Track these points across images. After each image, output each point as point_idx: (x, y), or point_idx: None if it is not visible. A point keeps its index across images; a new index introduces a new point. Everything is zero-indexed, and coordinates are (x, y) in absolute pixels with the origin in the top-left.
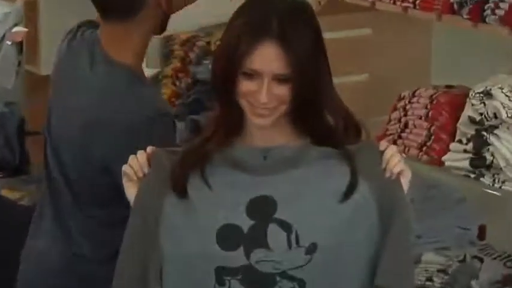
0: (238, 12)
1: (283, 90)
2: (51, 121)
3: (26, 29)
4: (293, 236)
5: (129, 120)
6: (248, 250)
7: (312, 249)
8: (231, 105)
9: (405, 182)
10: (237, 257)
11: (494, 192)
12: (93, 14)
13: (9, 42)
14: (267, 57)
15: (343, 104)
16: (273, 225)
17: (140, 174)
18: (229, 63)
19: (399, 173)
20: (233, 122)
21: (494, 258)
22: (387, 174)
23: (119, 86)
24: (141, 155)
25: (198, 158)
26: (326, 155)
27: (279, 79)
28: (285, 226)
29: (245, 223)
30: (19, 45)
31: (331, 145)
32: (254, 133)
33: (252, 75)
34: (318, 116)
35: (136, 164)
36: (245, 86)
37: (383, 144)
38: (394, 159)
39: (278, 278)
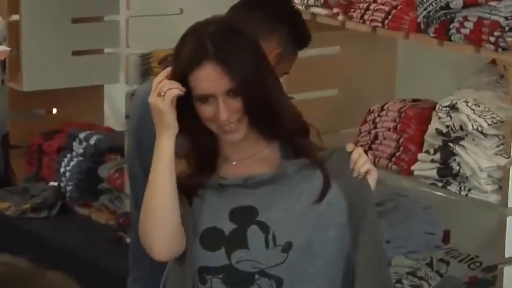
0: (178, 44)
1: (238, 103)
2: None
3: (8, 48)
4: (270, 237)
5: None
6: (229, 251)
7: (287, 247)
8: (200, 131)
9: (372, 180)
10: (218, 257)
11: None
12: (72, 34)
13: None
14: (211, 78)
15: (295, 107)
16: (253, 227)
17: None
18: (183, 95)
19: (366, 172)
20: (208, 147)
21: (460, 261)
22: (355, 174)
23: None
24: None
25: (190, 190)
26: (301, 166)
27: (230, 94)
28: (264, 227)
29: (227, 227)
30: (2, 64)
31: (297, 145)
32: (229, 149)
33: (206, 99)
34: (276, 120)
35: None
36: (204, 110)
37: (349, 146)
38: (360, 160)
39: (257, 276)
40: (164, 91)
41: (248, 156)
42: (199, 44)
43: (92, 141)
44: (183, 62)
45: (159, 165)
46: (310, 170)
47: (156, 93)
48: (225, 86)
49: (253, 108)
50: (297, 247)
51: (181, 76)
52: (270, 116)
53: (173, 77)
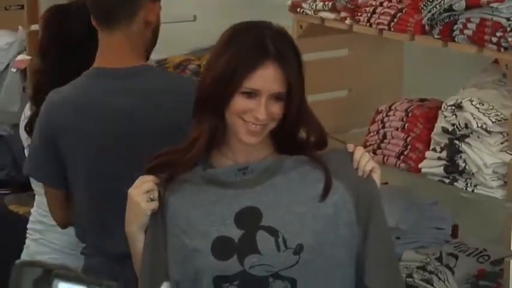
0: (230, 37)
1: (277, 108)
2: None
3: (29, 57)
4: (280, 240)
5: None
6: (241, 257)
7: (299, 249)
8: (217, 123)
9: (377, 177)
10: (232, 265)
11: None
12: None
13: (14, 70)
14: (267, 78)
15: (317, 119)
16: (261, 232)
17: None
18: (227, 84)
19: (371, 170)
20: (216, 137)
21: (468, 255)
22: (360, 173)
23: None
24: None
25: (181, 164)
26: (300, 162)
27: (275, 97)
28: (272, 231)
29: (235, 234)
30: (23, 72)
31: (302, 154)
32: (236, 149)
33: (250, 94)
34: (297, 131)
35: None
36: (243, 104)
37: (350, 146)
38: (364, 159)
39: (271, 279)
40: (155, 198)
41: (251, 161)
42: (261, 42)
43: None
44: (238, 55)
45: (138, 262)
46: (307, 167)
47: (142, 190)
48: (275, 89)
49: (289, 116)
50: (308, 248)
51: (231, 67)
52: (295, 126)
53: (216, 67)
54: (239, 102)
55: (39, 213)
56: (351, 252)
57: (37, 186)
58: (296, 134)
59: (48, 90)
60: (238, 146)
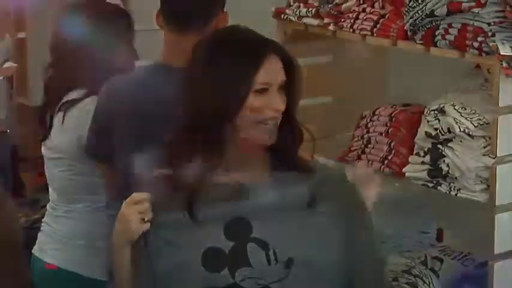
0: (213, 50)
1: (284, 97)
2: None
3: (15, 65)
4: (271, 253)
5: None
6: (233, 270)
7: (289, 263)
8: (222, 140)
9: (371, 192)
10: (223, 278)
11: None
12: None
13: (0, 77)
14: (274, 68)
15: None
16: (251, 244)
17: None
18: (238, 88)
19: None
20: (218, 156)
21: (453, 259)
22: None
23: None
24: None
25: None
26: (289, 175)
27: (280, 87)
28: (262, 244)
29: (225, 245)
30: (10, 80)
31: (288, 158)
32: (230, 165)
33: (262, 90)
34: (296, 124)
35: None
36: (258, 101)
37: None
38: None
39: None
40: (149, 219)
41: (244, 177)
42: (255, 39)
43: None
44: (244, 56)
45: (122, 276)
46: (296, 180)
47: (136, 210)
48: (282, 78)
49: (290, 108)
50: (298, 262)
51: (239, 69)
52: (293, 121)
53: (227, 74)
54: (254, 101)
55: (50, 206)
56: (338, 263)
57: (50, 180)
58: (289, 146)
59: (60, 84)
60: (236, 161)
